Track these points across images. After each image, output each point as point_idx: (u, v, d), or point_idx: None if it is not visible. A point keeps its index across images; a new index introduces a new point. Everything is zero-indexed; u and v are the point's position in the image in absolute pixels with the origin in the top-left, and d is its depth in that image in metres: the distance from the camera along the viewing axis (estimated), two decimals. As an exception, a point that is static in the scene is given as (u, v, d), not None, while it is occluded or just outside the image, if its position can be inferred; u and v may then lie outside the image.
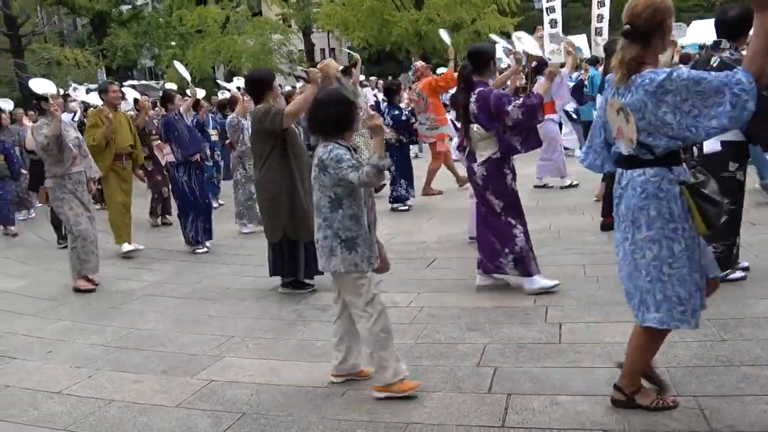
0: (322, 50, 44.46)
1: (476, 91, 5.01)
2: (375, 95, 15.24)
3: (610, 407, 3.23)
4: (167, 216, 9.38)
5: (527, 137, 5.04)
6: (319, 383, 3.84)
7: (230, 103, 9.78)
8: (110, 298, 5.99)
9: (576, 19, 34.82)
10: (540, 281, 5.03)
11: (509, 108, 4.84)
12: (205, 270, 6.78)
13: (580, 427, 3.09)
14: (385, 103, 9.59)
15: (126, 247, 7.59)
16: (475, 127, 5.05)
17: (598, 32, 14.46)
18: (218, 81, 22.11)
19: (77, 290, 6.23)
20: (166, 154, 7.88)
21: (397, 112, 9.21)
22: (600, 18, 14.48)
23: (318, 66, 6.53)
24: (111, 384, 4.07)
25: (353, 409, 3.49)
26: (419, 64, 9.37)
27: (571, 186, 9.21)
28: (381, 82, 17.29)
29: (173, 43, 34.61)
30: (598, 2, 14.54)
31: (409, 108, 9.64)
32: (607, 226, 6.54)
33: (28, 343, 4.94)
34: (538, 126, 5.14)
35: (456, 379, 3.73)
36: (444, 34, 10.00)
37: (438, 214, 8.67)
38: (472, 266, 5.95)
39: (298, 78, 8.32)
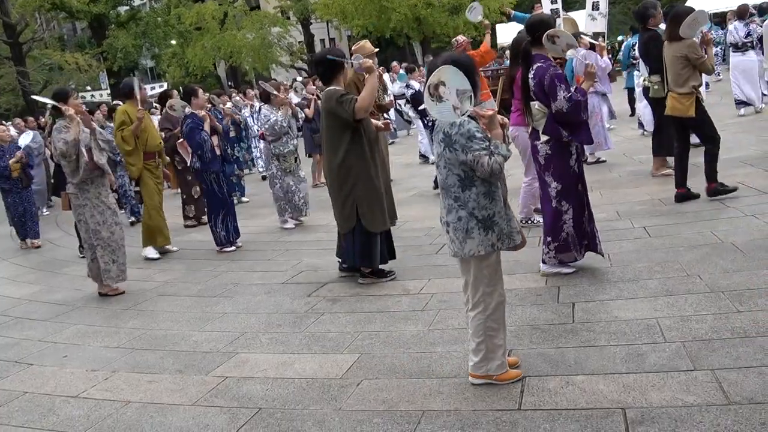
0: (322, 41, 44.33)
1: (534, 67, 4.77)
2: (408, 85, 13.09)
3: (626, 385, 3.21)
4: (203, 218, 9.03)
5: (576, 132, 4.79)
6: (333, 375, 3.84)
7: (263, 96, 8.87)
8: (123, 300, 6.01)
9: (576, -5, 34.47)
10: (558, 266, 4.98)
11: (559, 95, 4.64)
12: (216, 267, 6.79)
13: (597, 406, 3.08)
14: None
15: (150, 252, 7.51)
16: (536, 104, 4.83)
17: (595, 6, 14.27)
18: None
19: (102, 295, 6.17)
20: (190, 152, 7.55)
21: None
22: None
23: (353, 48, 6.37)
24: (127, 385, 4.09)
25: (369, 400, 3.49)
26: (461, 38, 9.15)
27: (598, 162, 9.17)
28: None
29: (173, 42, 34.60)
30: None
31: None
32: (681, 196, 6.48)
33: (44, 348, 4.97)
34: None
35: (470, 364, 3.71)
36: (477, 8, 9.66)
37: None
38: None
39: (299, 70, 8.24)
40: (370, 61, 5.47)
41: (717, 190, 6.33)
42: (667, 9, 7.48)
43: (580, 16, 16.48)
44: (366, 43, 6.62)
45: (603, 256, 5.03)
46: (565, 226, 4.87)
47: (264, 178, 11.84)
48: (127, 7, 35.68)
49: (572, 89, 4.74)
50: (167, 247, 7.70)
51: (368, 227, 5.37)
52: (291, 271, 6.21)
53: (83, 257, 7.50)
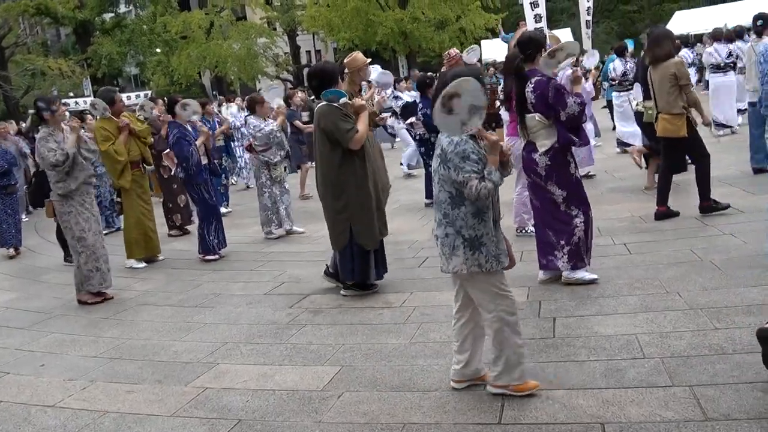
0: (308, 52, 44.44)
1: (533, 80, 4.90)
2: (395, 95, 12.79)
3: (605, 400, 3.23)
4: (186, 227, 9.07)
5: (577, 135, 4.95)
6: (314, 387, 3.82)
7: (250, 105, 8.67)
8: (102, 309, 5.95)
9: (560, 13, 34.98)
10: (581, 272, 5.00)
11: (569, 101, 4.77)
12: (198, 277, 6.74)
13: (577, 421, 3.10)
14: (419, 97, 9.20)
15: (132, 263, 7.41)
16: (536, 116, 4.90)
17: (588, 25, 14.50)
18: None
19: (81, 303, 6.11)
20: (176, 162, 7.52)
21: (429, 111, 8.84)
22: (589, 11, 14.52)
23: (345, 60, 6.31)
24: (105, 395, 4.04)
25: (350, 412, 3.48)
26: (453, 52, 9.19)
27: (587, 176, 9.23)
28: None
29: (158, 50, 34.50)
30: None
31: None
32: (661, 214, 6.55)
33: (20, 357, 4.90)
34: None
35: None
36: (475, 50, 9.68)
37: (430, 212, 8.66)
38: (465, 264, 5.97)
39: (284, 81, 8.19)
40: (360, 101, 5.45)
41: (711, 207, 6.43)
42: (648, 32, 7.60)
43: (565, 35, 16.71)
44: (358, 55, 6.52)
45: (589, 264, 5.08)
46: (576, 230, 4.93)
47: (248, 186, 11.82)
48: (113, 15, 35.53)
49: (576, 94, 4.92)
50: (158, 256, 7.63)
51: (362, 244, 5.35)
52: (273, 282, 6.19)
53: (71, 264, 7.43)
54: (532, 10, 11.80)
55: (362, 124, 5.27)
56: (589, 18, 14.53)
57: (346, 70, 5.74)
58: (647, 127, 7.35)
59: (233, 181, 13.13)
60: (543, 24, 11.46)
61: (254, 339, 4.76)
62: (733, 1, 26.92)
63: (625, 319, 4.24)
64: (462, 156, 3.17)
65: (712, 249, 5.43)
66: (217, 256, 7.39)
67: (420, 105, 8.93)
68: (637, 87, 8.08)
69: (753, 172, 7.94)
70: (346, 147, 5.19)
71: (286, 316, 5.18)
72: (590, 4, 14.56)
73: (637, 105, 8.05)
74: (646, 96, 7.19)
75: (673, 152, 6.55)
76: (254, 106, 8.26)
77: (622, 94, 10.67)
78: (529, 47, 5.06)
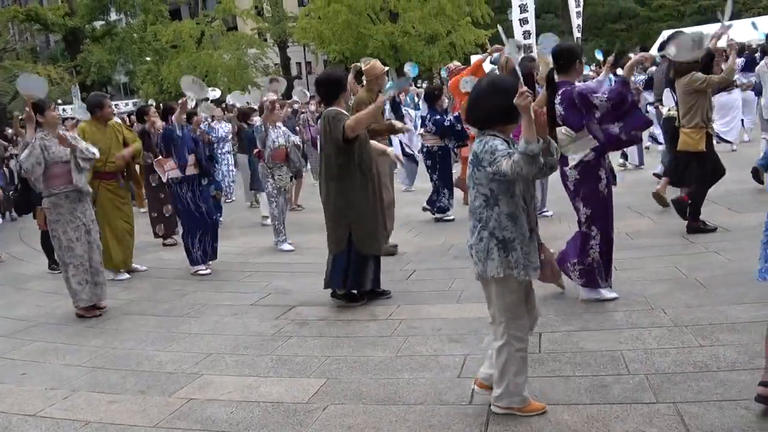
0: (298, 64, 44.51)
1: (560, 92, 4.81)
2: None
3: (590, 416, 3.24)
4: (173, 237, 8.93)
5: (626, 120, 4.76)
6: (299, 399, 3.80)
7: (260, 108, 8.80)
8: (86, 318, 5.88)
9: (549, 30, 35.28)
10: (600, 292, 4.94)
11: (596, 101, 4.69)
12: (184, 287, 6.70)
13: (562, 437, 3.10)
14: (427, 109, 9.19)
15: (111, 275, 7.14)
16: (563, 129, 4.82)
17: (578, 42, 14.64)
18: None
19: (79, 315, 5.92)
20: (167, 170, 7.37)
21: (438, 116, 8.77)
22: (579, 28, 14.68)
23: (363, 68, 6.27)
24: (87, 405, 4.00)
25: (334, 425, 3.46)
26: (452, 66, 9.06)
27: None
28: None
29: (148, 59, 34.46)
30: (576, 12, 14.70)
31: (456, 114, 8.96)
32: (693, 228, 6.55)
33: (1, 365, 4.83)
34: None
35: (437, 392, 3.72)
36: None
37: (419, 225, 8.68)
38: (452, 277, 5.99)
39: (272, 80, 8.04)
40: (381, 100, 5.46)
41: (699, 228, 6.49)
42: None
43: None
44: (376, 63, 6.51)
45: (610, 286, 5.04)
46: (591, 251, 4.88)
47: (251, 204, 11.70)
48: (104, 22, 35.48)
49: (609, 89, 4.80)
50: (135, 266, 7.53)
51: (361, 250, 5.34)
52: (260, 293, 6.16)
53: (55, 272, 7.37)
54: (521, 26, 11.90)
55: (364, 112, 5.23)
56: (579, 36, 14.68)
57: (363, 78, 5.72)
58: (674, 140, 7.25)
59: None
60: (532, 40, 11.56)
61: (239, 350, 4.74)
62: (719, 21, 27.25)
63: (610, 335, 4.26)
64: (491, 151, 3.12)
65: (696, 267, 5.48)
66: (208, 270, 7.20)
67: (428, 116, 8.89)
68: (668, 93, 7.98)
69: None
70: (341, 138, 5.16)
71: (272, 328, 5.16)
72: (579, 21, 14.73)
73: (669, 111, 7.89)
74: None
75: (702, 164, 6.55)
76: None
77: (730, 93, 10.81)
78: (563, 58, 4.92)
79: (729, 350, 3.80)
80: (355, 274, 5.40)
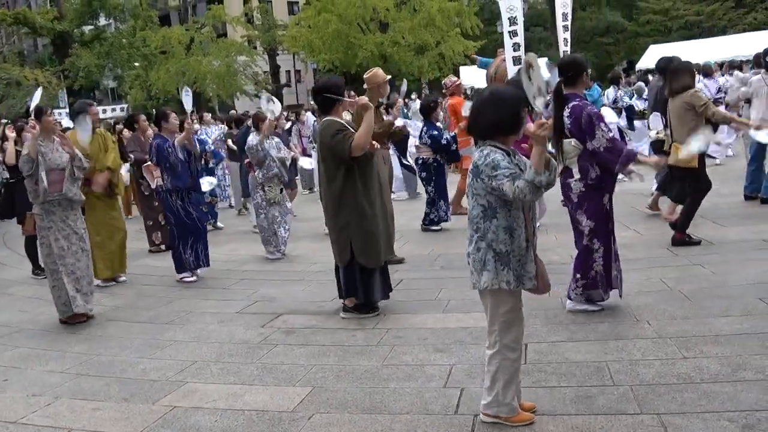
0: (288, 72, 44.58)
1: (570, 105, 4.80)
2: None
3: (575, 426, 3.25)
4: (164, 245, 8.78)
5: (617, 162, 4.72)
6: (285, 408, 3.79)
7: (254, 122, 8.67)
8: (69, 324, 5.83)
9: (538, 43, 35.57)
10: (584, 304, 4.96)
11: (597, 133, 4.66)
12: (169, 294, 6.66)
13: (546, 447, 3.11)
14: (422, 121, 9.20)
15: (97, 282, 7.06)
16: (572, 141, 4.81)
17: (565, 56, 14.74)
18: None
19: (63, 322, 5.84)
20: (156, 177, 7.35)
21: (436, 132, 8.82)
22: (566, 42, 14.77)
23: (366, 76, 6.11)
24: (70, 412, 3.96)
25: (319, 434, 3.45)
26: (450, 80, 8.99)
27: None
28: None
29: (137, 64, 34.34)
30: (563, 26, 14.81)
31: (453, 133, 9.14)
32: (678, 241, 6.61)
33: (-17, 371, 4.79)
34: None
35: (423, 401, 3.72)
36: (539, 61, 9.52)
37: (406, 234, 8.68)
38: (439, 287, 6.00)
39: (269, 100, 8.03)
40: (365, 99, 5.39)
41: (684, 241, 6.55)
42: (663, 63, 7.73)
43: (541, 64, 16.97)
44: (378, 71, 6.44)
45: (621, 297, 5.04)
46: (594, 264, 4.88)
47: (240, 212, 11.68)
48: (93, 27, 35.34)
49: (615, 140, 4.78)
50: (120, 277, 7.41)
51: (363, 262, 5.29)
52: (246, 301, 6.14)
53: (39, 278, 7.30)
54: (511, 38, 11.97)
55: (365, 126, 5.14)
56: (567, 49, 14.77)
57: (365, 86, 5.67)
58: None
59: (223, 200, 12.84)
60: (521, 52, 11.64)
61: (224, 358, 4.71)
62: (706, 37, 27.62)
63: (595, 346, 4.28)
64: (492, 166, 3.13)
65: (681, 279, 5.52)
66: (194, 277, 7.16)
67: (425, 129, 8.94)
68: (657, 116, 8.05)
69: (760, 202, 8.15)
70: (348, 156, 5.09)
71: (258, 336, 5.14)
72: (567, 35, 14.83)
73: (657, 134, 7.95)
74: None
75: (696, 178, 6.62)
76: (258, 123, 8.17)
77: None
78: (570, 70, 4.90)
79: (712, 362, 3.83)
80: (363, 286, 5.34)
